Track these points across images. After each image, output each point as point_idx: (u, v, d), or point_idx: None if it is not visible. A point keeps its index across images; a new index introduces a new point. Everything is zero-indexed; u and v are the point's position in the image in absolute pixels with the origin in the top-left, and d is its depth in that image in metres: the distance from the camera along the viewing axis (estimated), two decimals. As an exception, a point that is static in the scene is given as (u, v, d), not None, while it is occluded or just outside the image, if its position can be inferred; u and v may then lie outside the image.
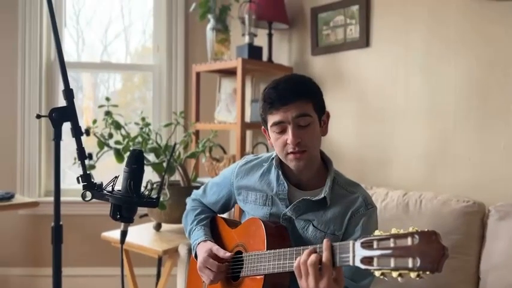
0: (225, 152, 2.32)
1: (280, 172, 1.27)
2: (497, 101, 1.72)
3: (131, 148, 1.74)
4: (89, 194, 1.14)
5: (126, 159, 1.17)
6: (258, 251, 1.17)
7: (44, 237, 2.68)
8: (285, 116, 1.15)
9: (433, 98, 1.91)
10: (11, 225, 2.66)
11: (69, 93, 1.12)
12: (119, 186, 1.16)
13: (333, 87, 2.27)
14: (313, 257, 0.96)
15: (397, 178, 2.00)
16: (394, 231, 0.87)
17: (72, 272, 2.53)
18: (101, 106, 1.80)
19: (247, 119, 2.30)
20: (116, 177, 1.19)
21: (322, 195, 1.20)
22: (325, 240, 0.96)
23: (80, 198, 2.61)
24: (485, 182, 1.74)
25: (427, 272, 0.80)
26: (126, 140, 1.75)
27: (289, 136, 1.15)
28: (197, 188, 1.85)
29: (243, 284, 1.20)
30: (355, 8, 2.16)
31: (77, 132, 1.13)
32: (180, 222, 1.86)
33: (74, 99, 1.13)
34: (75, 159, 1.78)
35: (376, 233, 0.90)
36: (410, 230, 0.85)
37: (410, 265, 0.81)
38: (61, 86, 2.96)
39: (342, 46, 2.23)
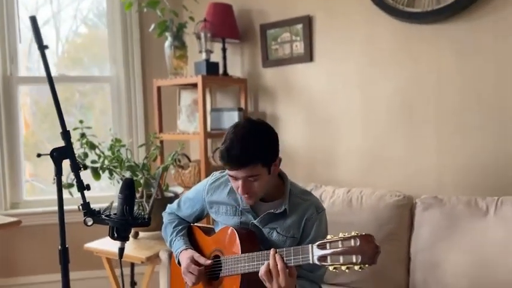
0: (189, 160, 2.54)
1: None
2: (422, 111, 2.07)
3: (107, 166, 1.92)
4: (89, 220, 1.33)
5: (120, 186, 1.37)
6: (234, 254, 1.43)
7: (13, 248, 2.75)
8: (236, 174, 1.38)
9: (368, 107, 2.23)
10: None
11: (66, 135, 1.30)
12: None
13: (284, 96, 2.54)
14: (266, 267, 1.26)
15: (342, 176, 2.33)
16: (341, 235, 1.17)
17: (51, 278, 2.68)
18: (75, 129, 1.95)
19: (208, 128, 2.52)
20: (111, 203, 1.39)
21: (283, 208, 1.47)
22: (271, 250, 1.27)
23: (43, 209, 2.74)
24: (412, 178, 2.10)
25: (366, 265, 1.10)
26: (102, 159, 1.92)
27: (239, 187, 1.39)
28: (170, 198, 2.07)
29: (222, 283, 1.46)
30: (299, 27, 2.43)
31: (75, 168, 1.31)
32: (155, 230, 2.08)
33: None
34: (54, 179, 1.94)
35: (328, 237, 1.19)
36: (353, 234, 1.14)
37: (354, 260, 1.11)
38: (20, 100, 3.01)
39: (289, 60, 2.49)
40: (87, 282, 2.61)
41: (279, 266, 1.25)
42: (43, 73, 1.30)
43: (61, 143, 1.21)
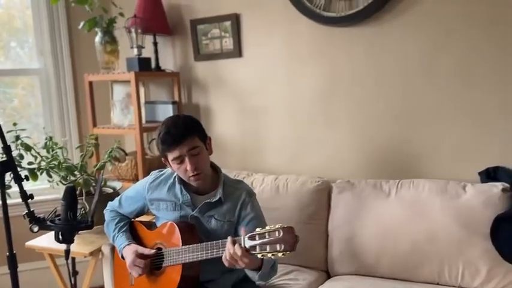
0: (125, 153, 2.62)
1: (182, 187, 1.69)
2: (337, 103, 2.33)
3: (45, 167, 1.97)
4: (35, 227, 1.42)
5: (62, 193, 1.47)
6: (175, 247, 1.60)
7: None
8: (181, 151, 1.57)
9: (292, 99, 2.45)
10: None
11: (7, 149, 1.37)
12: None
13: (216, 88, 2.69)
14: (231, 250, 1.37)
15: (271, 164, 2.55)
16: (267, 227, 1.38)
17: None
18: (9, 131, 1.96)
19: (143, 121, 2.61)
20: (55, 209, 1.49)
21: (218, 197, 1.67)
22: (229, 239, 1.40)
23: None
24: (330, 164, 2.38)
25: (288, 252, 1.33)
26: (39, 160, 1.97)
27: (187, 165, 1.58)
28: (110, 194, 2.18)
29: (165, 272, 1.63)
30: (227, 24, 2.56)
31: (18, 180, 1.39)
32: (97, 225, 2.18)
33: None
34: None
35: (257, 229, 1.40)
36: (277, 226, 1.36)
37: (278, 249, 1.33)
38: None
39: (219, 55, 2.63)
40: (29, 274, 2.64)
41: (238, 252, 1.35)
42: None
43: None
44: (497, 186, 1.85)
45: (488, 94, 1.97)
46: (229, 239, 1.40)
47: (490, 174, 1.98)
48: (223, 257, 1.42)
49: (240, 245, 1.37)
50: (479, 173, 2.01)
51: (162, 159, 1.67)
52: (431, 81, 2.08)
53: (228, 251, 1.39)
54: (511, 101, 1.93)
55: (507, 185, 1.85)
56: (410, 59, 2.12)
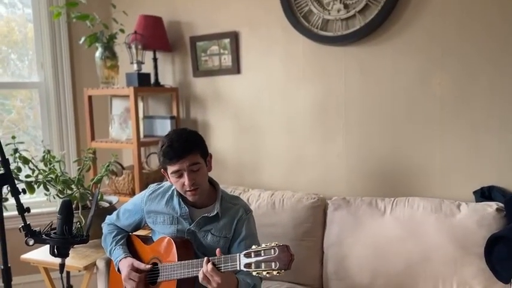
0: (123, 168, 2.63)
1: (180, 199, 1.71)
2: (332, 120, 2.36)
3: (42, 180, 1.98)
4: (31, 240, 1.43)
5: (58, 207, 1.48)
6: (171, 262, 1.60)
7: None
8: (181, 166, 1.59)
9: (288, 116, 2.48)
10: None
11: (5, 163, 1.38)
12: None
13: (214, 104, 2.72)
14: (204, 268, 1.44)
15: (267, 180, 2.57)
16: (263, 245, 1.38)
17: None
18: (8, 144, 1.97)
19: (141, 135, 2.62)
20: (51, 222, 1.50)
21: (215, 212, 1.68)
22: (205, 259, 1.45)
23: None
24: (326, 181, 2.40)
25: (283, 270, 1.33)
26: (36, 173, 1.98)
27: (185, 180, 1.60)
28: (106, 208, 2.18)
29: (160, 287, 1.63)
30: (226, 41, 2.60)
31: (15, 193, 1.40)
32: (92, 239, 2.18)
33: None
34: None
35: (253, 247, 1.40)
36: (273, 244, 1.37)
37: (273, 267, 1.34)
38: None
39: (218, 71, 2.66)
40: (24, 287, 2.63)
41: (209, 269, 1.43)
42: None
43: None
44: (491, 206, 1.86)
45: (484, 114, 2.00)
46: (205, 258, 1.45)
47: (484, 194, 2.00)
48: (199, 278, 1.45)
49: (213, 263, 1.44)
50: (474, 192, 2.03)
51: (162, 170, 1.69)
52: (426, 100, 2.12)
53: (202, 269, 1.44)
54: (506, 121, 1.96)
55: (501, 204, 1.87)
56: (405, 77, 2.16)
